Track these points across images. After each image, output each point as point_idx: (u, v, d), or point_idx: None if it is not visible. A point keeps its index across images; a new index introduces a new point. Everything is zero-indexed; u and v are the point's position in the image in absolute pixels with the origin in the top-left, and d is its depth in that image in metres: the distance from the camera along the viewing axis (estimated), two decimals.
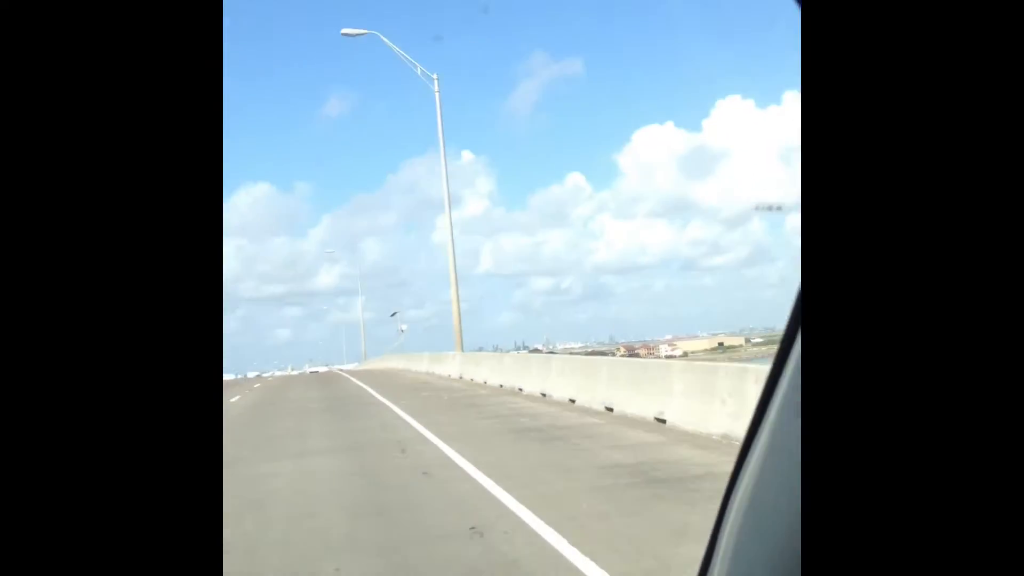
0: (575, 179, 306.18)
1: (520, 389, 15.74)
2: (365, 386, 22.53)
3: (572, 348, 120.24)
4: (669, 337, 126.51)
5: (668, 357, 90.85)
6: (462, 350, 25.01)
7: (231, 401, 20.88)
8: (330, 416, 14.51)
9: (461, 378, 21.56)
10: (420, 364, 30.20)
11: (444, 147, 25.49)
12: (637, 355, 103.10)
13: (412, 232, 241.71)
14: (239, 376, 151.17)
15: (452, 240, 25.51)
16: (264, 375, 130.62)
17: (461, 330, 24.98)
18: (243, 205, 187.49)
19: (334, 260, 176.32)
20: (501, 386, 17.26)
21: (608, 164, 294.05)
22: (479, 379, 19.62)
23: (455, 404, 14.51)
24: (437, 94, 25.17)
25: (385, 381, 24.73)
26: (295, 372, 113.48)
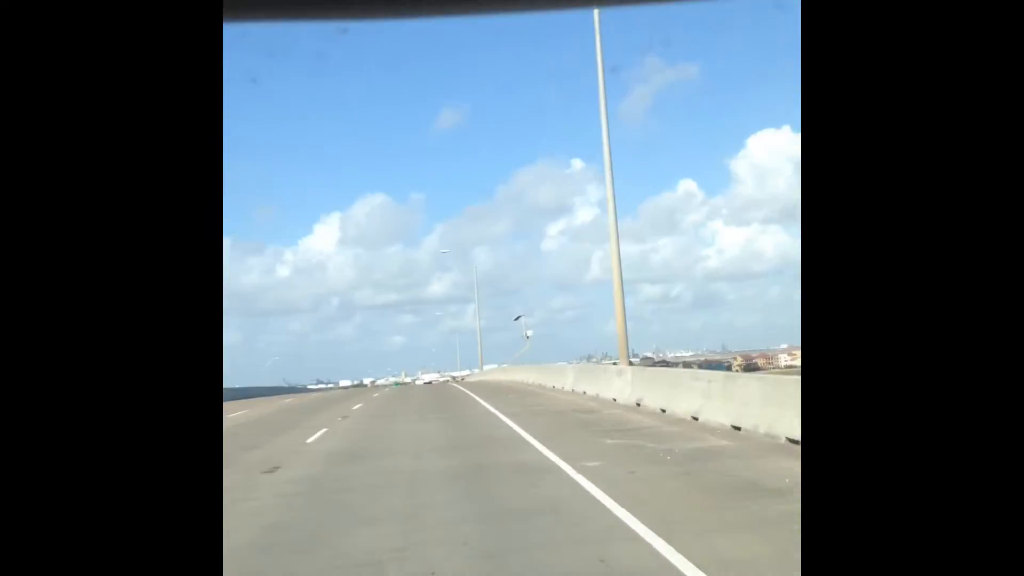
0: (687, 185, 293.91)
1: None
2: (509, 421, 13.97)
3: (684, 357, 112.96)
4: (786, 346, 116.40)
5: (788, 367, 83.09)
6: (628, 360, 18.50)
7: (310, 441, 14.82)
8: (478, 532, 5.63)
9: (640, 405, 14.65)
10: (562, 379, 23.38)
11: (607, 132, 19.04)
12: (756, 365, 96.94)
13: (521, 240, 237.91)
14: (355, 382, 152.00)
15: (616, 242, 19.16)
16: (378, 382, 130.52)
17: (627, 341, 18.54)
18: (360, 215, 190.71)
19: (446, 268, 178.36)
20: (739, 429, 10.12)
21: (721, 170, 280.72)
22: (681, 410, 12.32)
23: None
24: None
25: (534, 407, 17.61)
26: (408, 379, 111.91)
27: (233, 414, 22.85)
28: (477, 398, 23.01)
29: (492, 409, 17.55)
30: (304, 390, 78.11)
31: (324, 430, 15.18)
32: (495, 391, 26.67)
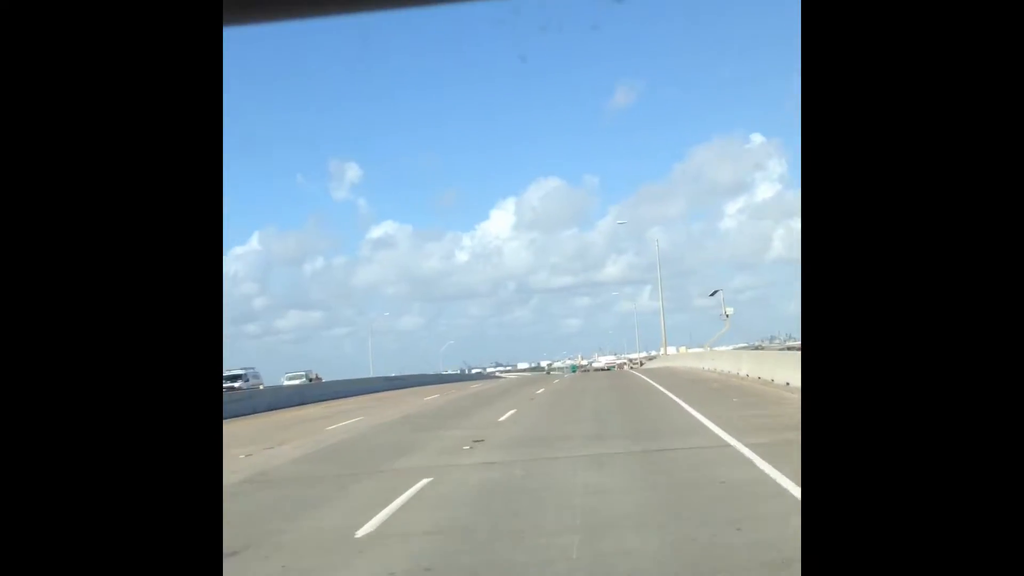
0: None
1: None
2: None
3: None
4: None
5: None
6: None
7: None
8: None
9: None
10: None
11: None
12: None
13: (698, 220, 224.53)
14: (532, 365, 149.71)
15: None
16: (555, 365, 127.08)
17: None
18: (534, 199, 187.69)
19: (621, 250, 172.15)
20: None
21: None
22: None
23: None
24: None
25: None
26: (584, 362, 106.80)
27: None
28: (696, 414, 14.13)
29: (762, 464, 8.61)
30: (479, 376, 75.13)
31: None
32: (710, 393, 19.02)
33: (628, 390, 22.20)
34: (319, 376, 54.00)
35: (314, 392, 34.41)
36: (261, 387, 36.48)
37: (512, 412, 16.48)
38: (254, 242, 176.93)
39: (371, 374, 75.35)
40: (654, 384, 23.01)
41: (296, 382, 46.77)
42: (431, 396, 27.17)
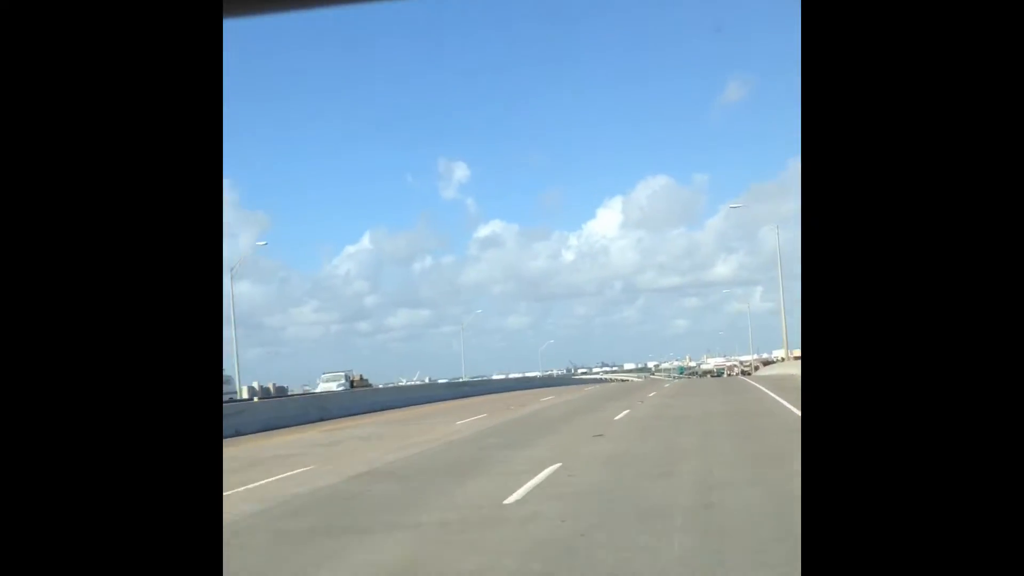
0: None
1: None
2: None
3: None
4: None
5: None
6: None
7: None
8: None
9: None
10: None
11: None
12: None
13: None
14: (639, 365, 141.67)
15: None
16: (662, 366, 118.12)
17: None
18: (642, 198, 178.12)
19: (731, 250, 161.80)
20: None
21: None
22: None
23: None
24: None
25: None
26: (692, 363, 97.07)
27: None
28: None
29: None
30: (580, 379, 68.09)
31: None
32: None
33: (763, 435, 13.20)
34: (363, 378, 45.88)
35: (344, 403, 26.88)
36: (237, 399, 29.04)
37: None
38: (365, 241, 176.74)
39: (462, 376, 69.16)
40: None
41: (332, 386, 39.28)
42: (477, 416, 19.12)
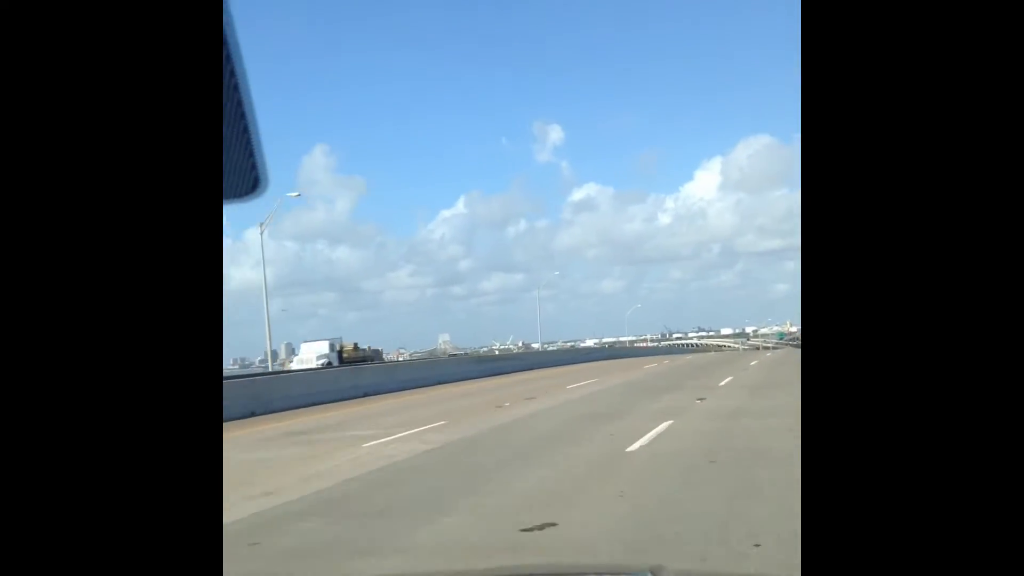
0: None
1: None
2: None
3: None
4: None
5: None
6: None
7: None
8: None
9: None
10: None
11: None
12: None
13: None
14: (737, 331, 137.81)
15: None
16: (760, 331, 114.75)
17: None
18: (742, 158, 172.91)
19: None
20: None
21: None
22: None
23: None
24: None
25: None
26: (794, 328, 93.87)
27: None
28: None
29: None
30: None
31: None
32: None
33: None
34: (359, 348, 34.77)
35: (334, 382, 20.15)
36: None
37: None
38: (460, 205, 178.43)
39: (538, 344, 66.91)
40: None
41: (315, 364, 30.66)
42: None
